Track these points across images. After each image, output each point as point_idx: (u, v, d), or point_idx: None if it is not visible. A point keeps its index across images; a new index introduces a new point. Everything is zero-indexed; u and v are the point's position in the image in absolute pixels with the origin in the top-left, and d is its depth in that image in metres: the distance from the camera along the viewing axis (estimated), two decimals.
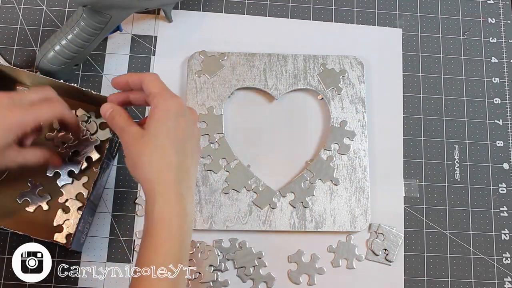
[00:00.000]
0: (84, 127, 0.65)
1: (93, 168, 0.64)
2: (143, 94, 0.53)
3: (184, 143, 0.51)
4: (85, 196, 0.63)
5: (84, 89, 0.60)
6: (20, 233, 0.57)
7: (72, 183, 0.64)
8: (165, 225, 0.48)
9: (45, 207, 0.63)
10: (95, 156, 0.64)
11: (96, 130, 0.65)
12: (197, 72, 0.68)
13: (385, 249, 0.65)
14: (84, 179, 0.64)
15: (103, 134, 0.65)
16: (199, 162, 0.56)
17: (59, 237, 0.62)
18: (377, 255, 0.65)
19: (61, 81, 0.61)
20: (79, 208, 0.63)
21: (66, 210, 0.63)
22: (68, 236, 0.62)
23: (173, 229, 0.48)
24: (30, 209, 0.63)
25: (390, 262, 0.65)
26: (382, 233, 0.65)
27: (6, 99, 0.53)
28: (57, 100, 0.57)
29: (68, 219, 0.62)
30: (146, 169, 0.49)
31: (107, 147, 0.60)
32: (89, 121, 0.65)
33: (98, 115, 0.65)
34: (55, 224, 0.62)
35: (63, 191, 0.63)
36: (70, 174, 0.64)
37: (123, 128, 0.52)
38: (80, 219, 0.58)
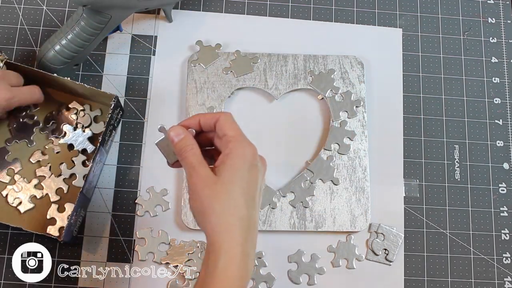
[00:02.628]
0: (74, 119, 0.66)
1: (86, 161, 0.65)
2: (212, 134, 0.50)
3: (254, 196, 0.47)
4: (65, 192, 0.64)
5: (77, 82, 0.62)
6: (12, 225, 0.58)
7: (50, 177, 0.64)
8: (227, 285, 0.44)
9: (37, 201, 0.64)
10: (90, 148, 0.65)
11: (90, 123, 0.66)
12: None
13: (385, 249, 0.65)
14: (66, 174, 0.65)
15: (97, 127, 0.66)
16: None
17: (52, 230, 0.62)
18: (377, 255, 0.65)
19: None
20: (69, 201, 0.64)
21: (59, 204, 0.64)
22: (61, 229, 0.62)
23: None
24: (22, 204, 0.63)
25: (390, 262, 0.65)
26: (382, 233, 0.65)
27: None
28: (34, 87, 0.63)
29: (61, 212, 0.63)
30: (214, 220, 0.45)
31: (100, 140, 0.61)
32: (83, 114, 0.66)
33: (93, 108, 0.67)
34: (48, 217, 0.63)
35: (43, 185, 0.64)
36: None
37: (194, 166, 0.47)
38: (72, 211, 0.58)
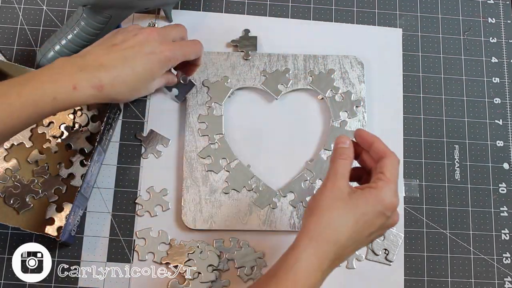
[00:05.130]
0: (72, 119, 0.66)
1: (84, 161, 0.65)
2: (371, 161, 0.53)
3: (360, 237, 0.49)
4: (63, 191, 0.64)
5: None
6: (10, 225, 0.58)
7: (47, 176, 0.64)
8: (296, 282, 0.46)
9: (35, 201, 0.63)
10: (88, 147, 0.65)
11: (88, 123, 0.66)
12: None
13: (385, 249, 0.65)
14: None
15: (94, 127, 0.66)
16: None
17: (50, 230, 0.62)
18: (377, 255, 0.65)
19: None
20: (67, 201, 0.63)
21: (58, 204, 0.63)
22: (59, 229, 0.62)
23: None
24: (20, 204, 0.63)
25: (390, 262, 0.65)
26: None
27: (156, 35, 0.56)
28: (196, 41, 0.61)
29: (59, 212, 0.63)
30: (314, 225, 0.48)
31: (97, 140, 0.61)
32: (81, 113, 0.66)
33: (90, 108, 0.67)
34: (46, 217, 0.63)
35: (41, 185, 0.64)
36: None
37: (336, 174, 0.50)
38: (70, 211, 0.58)
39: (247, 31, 0.71)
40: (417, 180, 0.68)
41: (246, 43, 0.70)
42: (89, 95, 0.51)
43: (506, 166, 0.70)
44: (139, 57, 0.54)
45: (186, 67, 0.63)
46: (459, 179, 0.69)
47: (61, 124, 0.66)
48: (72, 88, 0.50)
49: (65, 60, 0.53)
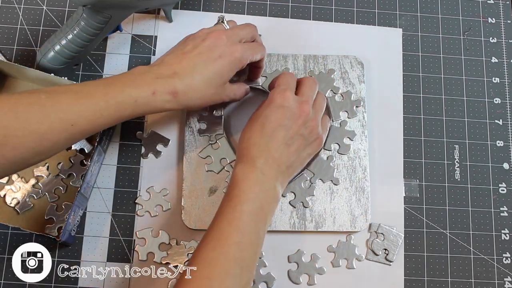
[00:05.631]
0: None
1: (84, 161, 0.65)
2: None
3: (273, 130, 0.57)
4: (63, 191, 0.64)
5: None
6: (11, 225, 0.58)
7: (47, 176, 0.64)
8: (238, 184, 0.55)
9: (35, 201, 0.64)
10: (88, 147, 0.65)
11: None
12: None
13: (385, 249, 0.65)
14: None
15: None
16: (304, 156, 0.61)
17: (50, 230, 0.62)
18: (377, 255, 0.65)
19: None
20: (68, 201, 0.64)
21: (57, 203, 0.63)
22: (59, 228, 0.62)
23: (244, 189, 0.54)
24: (20, 204, 0.63)
25: (390, 262, 0.65)
26: (382, 233, 0.65)
27: (224, 37, 0.58)
28: (260, 41, 0.64)
29: (59, 212, 0.63)
30: (240, 140, 0.58)
31: (97, 140, 0.61)
32: None
33: None
34: (46, 217, 0.63)
35: (41, 185, 0.64)
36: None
37: None
38: (70, 211, 0.58)
39: None
40: (417, 180, 0.68)
41: None
42: (166, 100, 0.55)
43: (506, 166, 0.70)
44: (208, 63, 0.57)
45: (251, 71, 0.66)
46: (459, 179, 0.69)
47: None
48: (152, 93, 0.54)
49: (144, 68, 0.57)
